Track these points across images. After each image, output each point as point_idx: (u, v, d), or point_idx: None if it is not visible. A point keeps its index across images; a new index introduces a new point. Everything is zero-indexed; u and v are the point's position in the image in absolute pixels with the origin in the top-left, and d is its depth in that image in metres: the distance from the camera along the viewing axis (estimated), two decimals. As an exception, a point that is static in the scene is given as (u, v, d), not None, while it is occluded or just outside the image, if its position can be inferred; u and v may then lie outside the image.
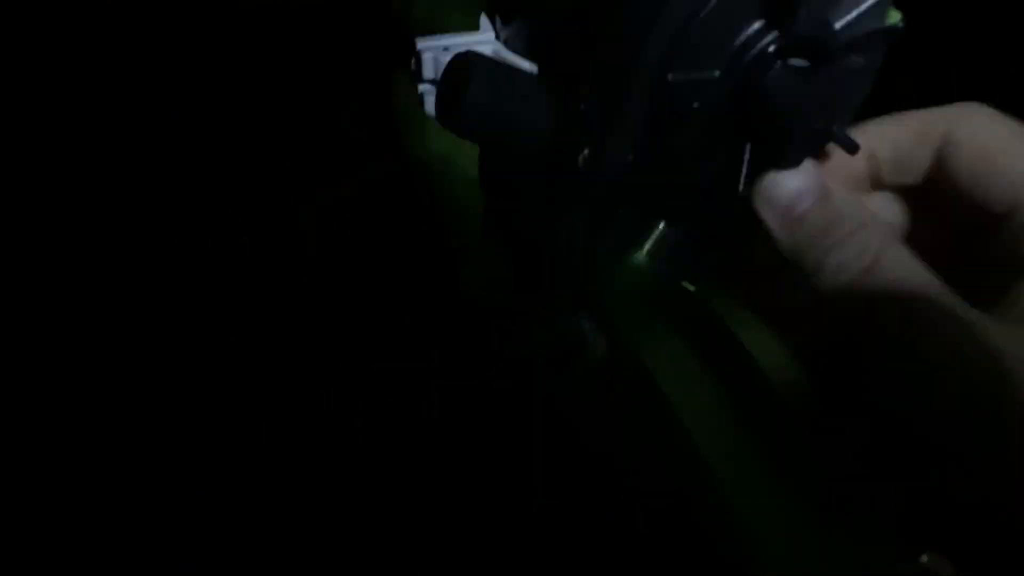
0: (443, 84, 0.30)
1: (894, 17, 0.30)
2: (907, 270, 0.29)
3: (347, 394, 0.80)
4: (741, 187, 0.31)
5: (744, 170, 0.31)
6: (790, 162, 0.31)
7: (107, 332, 0.81)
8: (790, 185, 0.30)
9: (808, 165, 0.31)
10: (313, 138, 0.90)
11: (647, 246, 0.34)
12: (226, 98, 0.89)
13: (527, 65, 0.34)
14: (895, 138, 0.34)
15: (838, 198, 0.31)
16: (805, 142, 0.31)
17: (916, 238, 0.35)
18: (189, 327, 0.83)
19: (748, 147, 0.31)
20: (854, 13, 0.29)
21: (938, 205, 0.34)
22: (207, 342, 0.82)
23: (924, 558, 0.23)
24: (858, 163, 0.34)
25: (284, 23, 0.90)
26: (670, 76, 0.28)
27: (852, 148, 0.30)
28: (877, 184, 0.35)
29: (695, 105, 0.28)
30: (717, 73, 0.29)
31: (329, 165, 0.90)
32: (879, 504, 0.26)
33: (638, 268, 0.33)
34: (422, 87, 0.43)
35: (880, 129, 0.34)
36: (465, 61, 0.29)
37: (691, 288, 0.33)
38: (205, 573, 0.74)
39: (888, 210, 0.36)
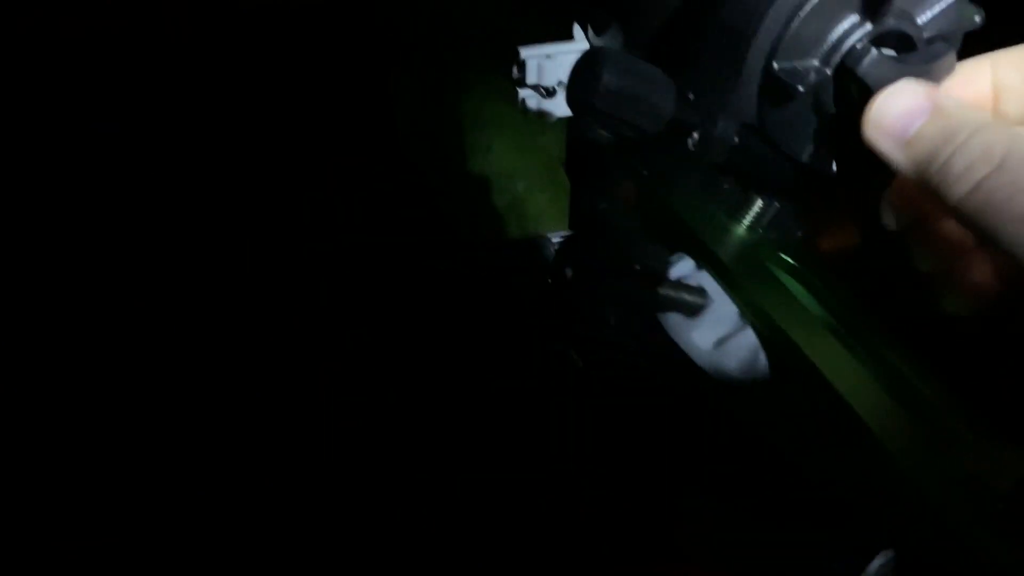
0: (576, 73, 0.34)
1: (971, 12, 0.34)
2: None
3: (347, 394, 0.82)
4: (834, 168, 0.36)
5: (837, 152, 0.35)
6: None
7: (107, 332, 0.82)
8: (899, 105, 0.30)
9: (912, 84, 0.30)
10: (312, 138, 0.91)
11: (747, 220, 0.38)
12: (226, 98, 0.90)
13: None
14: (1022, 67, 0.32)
15: (952, 107, 0.29)
16: None
17: None
18: (189, 327, 0.84)
19: (841, 131, 0.35)
20: (937, 8, 0.33)
21: None
22: (207, 342, 0.84)
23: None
24: (983, 93, 0.33)
25: (284, 23, 0.92)
26: (775, 65, 0.33)
27: None
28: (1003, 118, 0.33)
29: (799, 89, 0.33)
30: (816, 62, 0.33)
31: (328, 165, 0.91)
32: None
33: (740, 239, 0.37)
34: (523, 92, 0.48)
35: (1008, 57, 0.32)
36: (599, 52, 0.33)
37: (789, 260, 0.37)
38: (205, 573, 0.75)
39: None
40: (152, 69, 0.88)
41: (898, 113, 0.30)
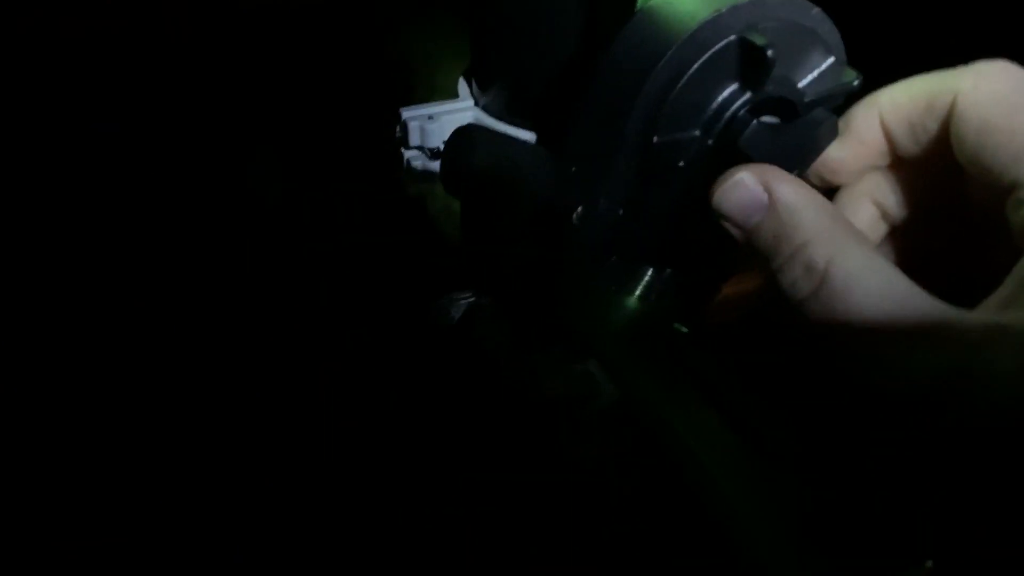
0: (448, 154, 0.32)
1: (850, 75, 0.33)
2: (860, 278, 0.28)
3: (347, 394, 0.81)
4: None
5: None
6: None
7: (105, 331, 0.80)
8: (736, 199, 0.30)
9: (749, 177, 0.30)
10: (312, 137, 0.90)
11: (637, 291, 0.36)
12: (225, 98, 0.88)
13: (514, 132, 0.37)
14: (905, 108, 0.33)
15: (785, 205, 0.29)
16: None
17: (934, 213, 0.34)
18: (188, 326, 0.82)
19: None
20: (816, 73, 0.32)
21: (951, 178, 0.32)
22: (206, 341, 0.82)
23: (928, 564, 0.25)
24: (875, 136, 0.33)
25: (284, 23, 0.90)
26: (655, 139, 0.31)
27: None
28: (894, 155, 0.34)
29: (680, 163, 0.31)
30: (698, 133, 0.32)
31: (328, 165, 0.90)
32: (869, 517, 0.29)
33: (630, 311, 0.36)
34: (408, 153, 0.46)
35: (891, 99, 0.33)
36: (468, 132, 0.31)
37: (683, 329, 0.36)
38: (205, 573, 0.74)
39: (896, 189, 0.35)
40: (152, 69, 0.85)
41: (737, 205, 0.30)
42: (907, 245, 0.36)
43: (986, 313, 0.27)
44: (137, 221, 0.84)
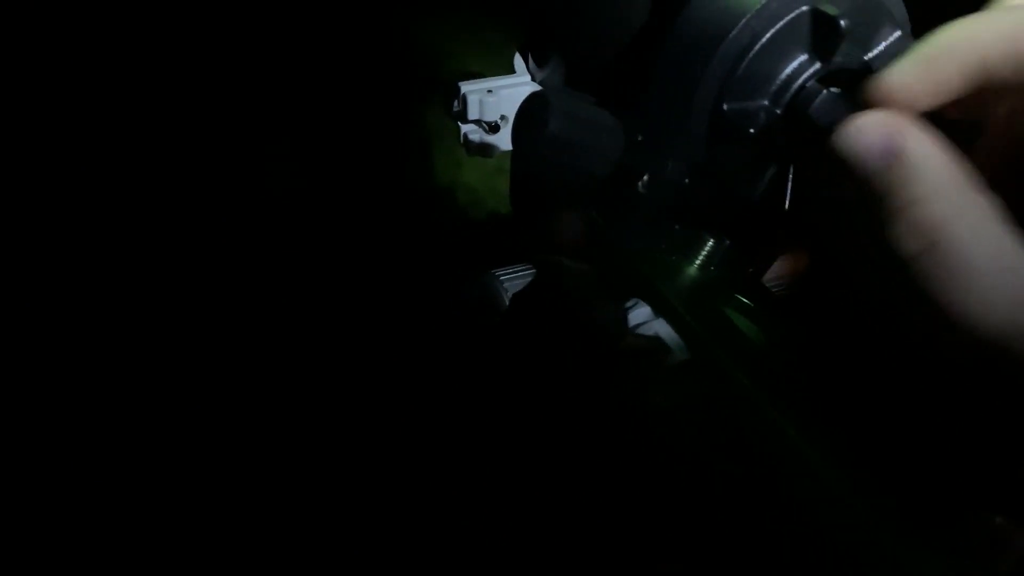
0: (521, 118, 0.33)
1: (917, 48, 0.33)
2: (976, 242, 0.26)
3: (346, 393, 0.82)
4: (786, 205, 0.35)
5: (788, 190, 0.35)
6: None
7: (103, 330, 0.81)
8: (866, 140, 0.28)
9: (881, 118, 0.29)
10: (314, 137, 0.91)
11: (698, 259, 0.37)
12: (225, 97, 0.89)
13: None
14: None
15: (914, 155, 0.28)
16: None
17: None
18: (188, 326, 0.83)
19: (792, 168, 0.34)
20: (883, 45, 0.33)
21: None
22: (206, 341, 0.83)
23: (998, 520, 0.25)
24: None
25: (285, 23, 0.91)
26: (726, 106, 0.32)
27: None
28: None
29: (750, 131, 0.32)
30: (767, 102, 0.32)
31: (329, 165, 0.91)
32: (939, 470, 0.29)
33: (692, 280, 0.36)
34: (465, 127, 0.47)
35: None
36: (544, 96, 0.32)
37: (743, 299, 0.36)
38: (205, 573, 0.75)
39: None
40: (162, 61, 0.85)
41: (865, 146, 0.28)
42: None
43: None
44: (135, 220, 0.84)
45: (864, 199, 0.28)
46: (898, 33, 0.33)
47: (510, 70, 0.45)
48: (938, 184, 0.27)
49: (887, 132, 0.28)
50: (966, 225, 0.27)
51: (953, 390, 0.28)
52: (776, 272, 0.45)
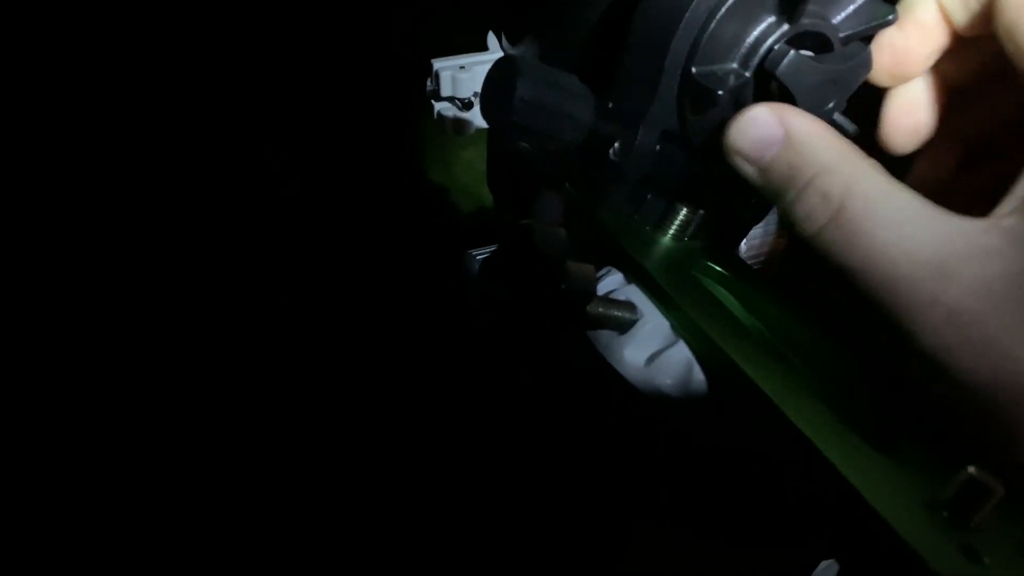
0: (489, 84, 0.33)
1: (884, 11, 0.33)
2: (878, 202, 0.28)
3: (347, 393, 0.82)
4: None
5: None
6: None
7: (103, 330, 0.81)
8: (752, 133, 0.30)
9: (765, 111, 0.31)
10: (310, 137, 0.90)
11: (672, 229, 0.37)
12: (223, 97, 0.89)
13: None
14: None
15: (801, 138, 0.30)
16: None
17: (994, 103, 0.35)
18: (187, 326, 0.83)
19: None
20: (851, 8, 0.33)
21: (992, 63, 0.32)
22: (205, 341, 0.83)
23: (971, 469, 0.25)
24: (932, 16, 0.33)
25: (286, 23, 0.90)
26: (694, 70, 0.32)
27: (849, 132, 0.34)
28: (954, 36, 0.34)
29: (719, 93, 0.32)
30: (735, 65, 0.32)
31: (331, 166, 0.91)
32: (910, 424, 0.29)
33: (666, 249, 0.36)
34: (439, 105, 0.46)
35: None
36: (512, 61, 0.32)
37: (716, 268, 0.36)
38: (205, 573, 0.74)
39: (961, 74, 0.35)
40: (150, 68, 0.85)
41: (752, 140, 0.31)
42: (970, 137, 0.36)
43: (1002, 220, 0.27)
44: (134, 219, 0.84)
45: (766, 189, 0.31)
46: (865, -4, 0.33)
47: (483, 48, 0.45)
48: (831, 156, 0.29)
49: (772, 120, 0.30)
50: (869, 185, 0.28)
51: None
52: (755, 247, 0.45)
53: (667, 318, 0.33)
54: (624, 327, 0.33)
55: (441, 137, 0.89)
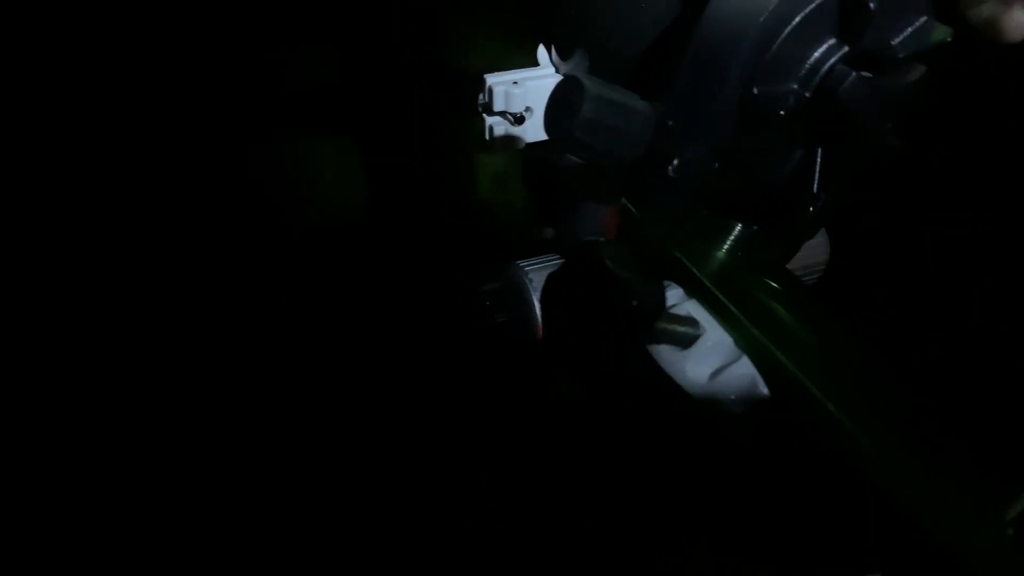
0: (554, 104, 0.33)
1: (942, 32, 0.34)
2: None
3: (346, 395, 0.82)
4: (815, 189, 0.35)
5: (816, 174, 0.35)
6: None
7: (106, 330, 0.81)
8: None
9: None
10: (310, 138, 0.91)
11: (727, 245, 0.37)
12: (222, 97, 0.89)
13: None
14: None
15: None
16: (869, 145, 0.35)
17: None
18: (187, 326, 0.83)
19: (820, 152, 0.35)
20: (909, 31, 0.34)
21: None
22: (204, 341, 0.83)
23: None
24: None
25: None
26: (755, 90, 0.33)
27: (902, 153, 0.35)
28: None
29: (780, 113, 0.32)
30: (796, 85, 0.33)
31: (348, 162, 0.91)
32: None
33: (721, 265, 0.37)
34: (491, 119, 0.47)
35: None
36: (577, 82, 0.32)
37: (771, 283, 0.37)
38: (205, 573, 0.74)
39: None
40: (153, 69, 0.86)
41: None
42: None
43: None
44: (133, 219, 0.85)
45: None
46: (924, 18, 0.34)
47: (534, 62, 0.46)
48: None
49: None
50: None
51: None
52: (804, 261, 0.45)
53: (729, 333, 0.34)
54: (687, 342, 0.33)
55: (468, 145, 0.90)
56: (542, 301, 0.34)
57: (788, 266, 0.44)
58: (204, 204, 0.86)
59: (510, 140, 0.45)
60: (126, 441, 0.78)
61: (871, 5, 0.31)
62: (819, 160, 0.35)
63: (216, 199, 0.86)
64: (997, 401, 0.31)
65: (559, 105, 0.33)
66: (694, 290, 0.35)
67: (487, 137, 0.46)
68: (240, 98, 0.87)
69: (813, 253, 0.44)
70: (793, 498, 0.33)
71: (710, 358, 0.32)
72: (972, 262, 0.47)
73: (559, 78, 0.45)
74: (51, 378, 0.79)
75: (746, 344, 0.33)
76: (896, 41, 0.33)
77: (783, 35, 0.32)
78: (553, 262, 0.43)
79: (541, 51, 0.46)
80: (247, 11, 0.84)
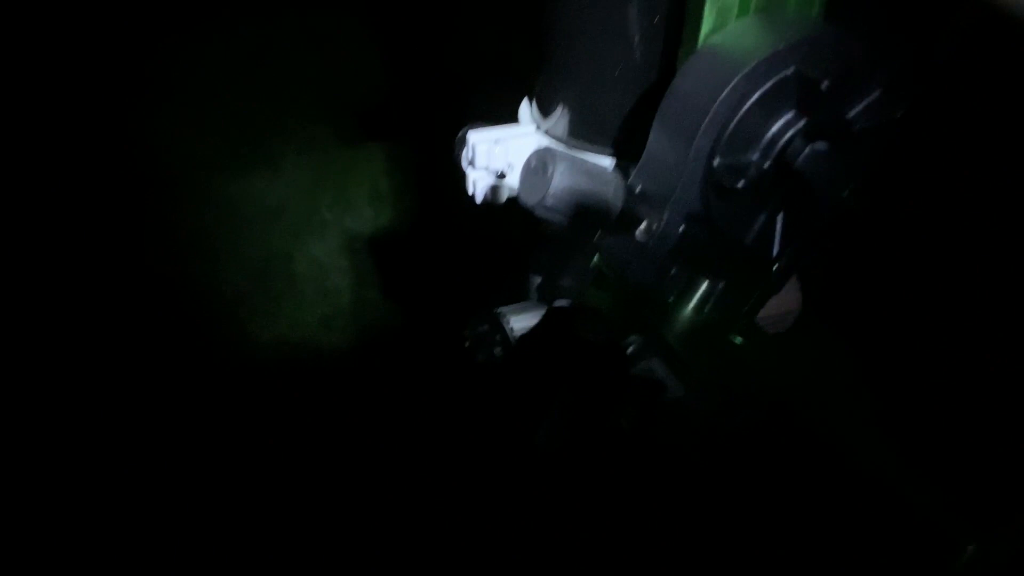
0: (528, 173, 0.35)
1: (895, 106, 0.36)
2: None
3: (346, 396, 0.83)
4: (775, 251, 0.37)
5: (778, 236, 0.37)
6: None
7: (106, 330, 0.82)
8: None
9: None
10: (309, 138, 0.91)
11: (693, 301, 0.39)
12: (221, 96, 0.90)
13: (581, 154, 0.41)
14: None
15: None
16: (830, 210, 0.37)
17: None
18: (187, 327, 0.85)
19: (781, 217, 0.37)
20: (863, 104, 0.36)
21: None
22: (205, 341, 0.85)
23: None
24: None
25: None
26: (716, 161, 0.35)
27: (862, 214, 0.37)
28: None
29: (740, 184, 0.34)
30: (756, 156, 0.35)
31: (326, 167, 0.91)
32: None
33: (688, 321, 0.39)
34: (474, 174, 0.49)
35: None
36: (550, 154, 0.34)
37: (738, 340, 0.38)
38: (205, 573, 0.75)
39: None
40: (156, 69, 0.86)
41: None
42: None
43: None
44: (133, 219, 0.85)
45: None
46: (878, 92, 0.36)
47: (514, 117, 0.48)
48: None
49: None
50: None
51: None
52: (772, 311, 0.47)
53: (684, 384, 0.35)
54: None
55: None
56: (517, 355, 0.35)
57: (760, 315, 0.46)
58: (206, 204, 0.87)
59: (493, 193, 0.47)
60: (126, 441, 0.79)
61: (823, 84, 0.33)
62: (780, 223, 0.37)
63: (218, 199, 0.87)
64: (997, 401, 0.32)
65: (533, 174, 0.35)
66: (657, 347, 0.37)
67: (470, 191, 0.48)
68: (244, 107, 0.88)
69: (783, 303, 0.46)
70: (788, 503, 0.35)
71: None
72: (972, 262, 0.47)
73: (539, 136, 0.47)
74: (51, 378, 0.80)
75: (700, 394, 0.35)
76: (851, 114, 0.36)
77: (743, 111, 0.34)
78: (533, 311, 0.45)
79: (523, 107, 0.48)
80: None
